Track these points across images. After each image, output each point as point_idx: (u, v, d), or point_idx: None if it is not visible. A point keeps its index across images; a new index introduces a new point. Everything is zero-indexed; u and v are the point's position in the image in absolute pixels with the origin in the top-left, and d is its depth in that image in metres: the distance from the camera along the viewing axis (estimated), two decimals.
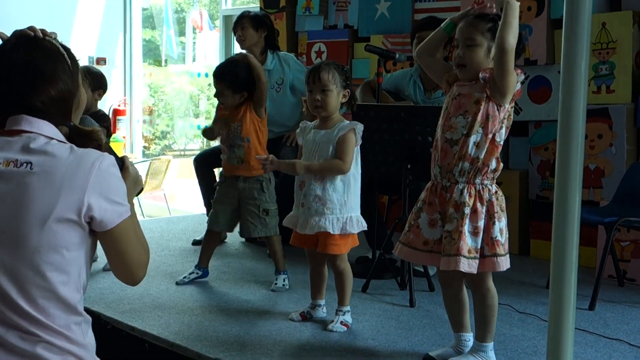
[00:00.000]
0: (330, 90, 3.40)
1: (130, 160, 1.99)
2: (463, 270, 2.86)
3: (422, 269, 4.19)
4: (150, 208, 9.58)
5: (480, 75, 2.86)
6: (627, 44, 4.55)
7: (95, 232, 1.82)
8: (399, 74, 4.79)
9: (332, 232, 3.40)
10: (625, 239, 4.45)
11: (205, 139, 14.39)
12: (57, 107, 1.83)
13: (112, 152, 1.91)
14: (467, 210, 2.88)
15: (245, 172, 4.19)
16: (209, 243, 4.37)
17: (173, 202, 9.79)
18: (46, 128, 1.81)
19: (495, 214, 2.91)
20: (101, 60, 9.03)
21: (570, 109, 1.75)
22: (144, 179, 9.02)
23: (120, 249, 1.84)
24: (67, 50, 1.91)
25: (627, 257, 4.45)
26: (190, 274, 4.32)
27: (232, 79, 4.10)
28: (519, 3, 2.81)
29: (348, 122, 3.45)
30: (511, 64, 2.80)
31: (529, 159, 5.06)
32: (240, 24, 5.16)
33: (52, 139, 1.81)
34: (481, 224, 2.89)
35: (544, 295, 3.95)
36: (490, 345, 3.02)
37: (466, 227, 2.87)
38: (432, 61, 3.18)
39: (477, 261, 2.88)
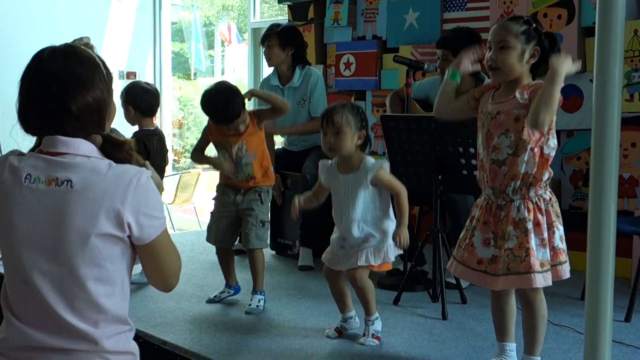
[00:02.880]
0: (344, 132, 3.38)
1: (150, 166, 1.98)
2: (539, 287, 2.84)
3: (454, 281, 4.15)
4: (180, 221, 9.62)
5: (517, 95, 2.82)
6: None
7: (134, 244, 1.86)
8: (428, 82, 4.77)
9: (373, 264, 3.43)
10: None
11: None
12: (92, 114, 1.85)
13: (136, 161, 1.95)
14: (530, 226, 2.85)
15: (250, 185, 4.10)
16: (221, 259, 4.24)
17: (203, 215, 9.81)
18: (82, 147, 1.83)
19: (554, 223, 2.88)
20: (131, 75, 9.10)
21: (604, 118, 1.72)
22: (174, 192, 9.07)
23: (157, 260, 1.90)
24: (102, 61, 1.95)
25: None
26: (221, 293, 4.23)
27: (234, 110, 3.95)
28: (568, 69, 2.76)
29: (371, 160, 3.44)
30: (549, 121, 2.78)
31: (561, 169, 5.00)
32: (267, 41, 5.13)
33: (90, 156, 1.83)
34: (546, 234, 2.86)
35: (578, 307, 3.89)
36: (539, 358, 2.98)
37: (533, 242, 2.84)
38: (453, 108, 3.14)
39: (549, 273, 2.86)
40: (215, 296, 4.21)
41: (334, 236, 3.54)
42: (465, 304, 4.05)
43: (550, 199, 2.92)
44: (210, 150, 4.27)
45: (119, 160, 1.87)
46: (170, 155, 10.26)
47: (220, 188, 4.20)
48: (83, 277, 1.79)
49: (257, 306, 4.02)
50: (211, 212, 4.29)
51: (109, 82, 1.93)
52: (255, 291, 4.08)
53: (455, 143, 3.78)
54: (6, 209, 1.81)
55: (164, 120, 9.75)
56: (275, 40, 5.10)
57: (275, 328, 3.73)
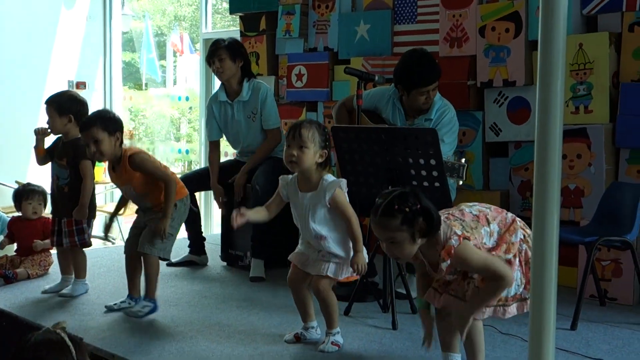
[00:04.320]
0: (308, 147, 3.41)
1: None
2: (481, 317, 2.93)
3: (404, 291, 4.18)
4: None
5: (448, 277, 2.89)
6: (603, 64, 4.59)
7: None
8: (376, 93, 4.78)
9: (339, 278, 3.50)
10: (606, 259, 4.46)
11: (186, 162, 14.39)
12: None
13: None
14: None
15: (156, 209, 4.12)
16: (127, 267, 4.21)
17: None
18: None
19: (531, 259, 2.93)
20: (81, 85, 8.99)
21: (546, 129, 1.75)
22: None
23: None
24: (74, 341, 2.10)
25: (608, 277, 4.47)
26: (121, 302, 4.19)
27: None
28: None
29: (329, 179, 3.47)
30: None
31: (510, 180, 5.08)
32: (217, 55, 5.09)
33: None
34: (517, 274, 2.91)
35: (526, 316, 3.94)
36: None
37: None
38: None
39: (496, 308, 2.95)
40: (114, 304, 4.18)
41: (301, 240, 3.60)
42: (415, 314, 4.07)
43: (523, 236, 2.95)
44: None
45: None
46: None
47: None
48: None
49: (139, 311, 4.04)
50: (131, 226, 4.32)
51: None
52: (145, 297, 4.10)
53: (405, 154, 3.81)
54: None
55: None
56: (225, 53, 5.07)
57: (225, 339, 3.71)
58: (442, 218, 2.85)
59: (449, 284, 2.97)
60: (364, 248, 3.50)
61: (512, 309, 2.97)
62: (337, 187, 3.44)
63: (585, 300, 4.04)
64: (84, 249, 4.57)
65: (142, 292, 4.18)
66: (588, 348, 3.59)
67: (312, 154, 3.43)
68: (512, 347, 3.57)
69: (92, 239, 4.67)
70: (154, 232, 4.03)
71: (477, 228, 2.89)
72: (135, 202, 4.21)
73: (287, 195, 3.58)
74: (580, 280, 4.02)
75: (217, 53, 5.10)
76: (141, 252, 4.06)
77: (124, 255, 4.23)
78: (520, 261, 2.93)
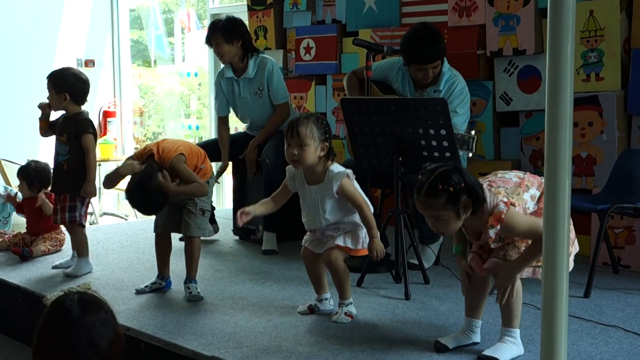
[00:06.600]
0: (308, 145, 3.40)
1: None
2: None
3: (417, 262, 4.19)
4: None
5: (492, 233, 2.88)
6: (614, 30, 4.55)
7: None
8: (386, 64, 4.74)
9: (351, 247, 3.54)
10: (619, 226, 4.45)
11: (197, 138, 14.41)
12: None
13: None
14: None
15: None
16: (158, 247, 4.15)
17: None
18: None
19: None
20: (90, 62, 8.98)
21: (557, 97, 1.74)
22: None
23: None
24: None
25: (621, 244, 4.46)
26: (152, 283, 4.14)
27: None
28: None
29: (335, 170, 3.47)
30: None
31: (521, 149, 5.06)
32: (214, 39, 5.05)
33: None
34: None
35: (539, 284, 3.94)
36: (517, 331, 3.10)
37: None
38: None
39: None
40: (146, 286, 4.12)
41: (305, 226, 3.62)
42: (427, 284, 4.09)
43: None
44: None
45: None
46: (132, 144, 10.22)
47: None
48: None
49: (198, 292, 3.97)
50: None
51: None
52: (189, 279, 4.02)
53: (415, 125, 3.80)
54: None
55: (124, 108, 9.66)
56: (221, 37, 5.02)
57: (239, 311, 3.73)
58: (484, 186, 2.87)
59: (491, 250, 3.00)
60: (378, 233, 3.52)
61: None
62: (343, 177, 3.44)
63: (599, 268, 4.04)
64: (83, 227, 4.54)
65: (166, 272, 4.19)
66: (602, 315, 3.60)
67: (313, 150, 3.43)
68: (525, 315, 3.56)
69: (106, 216, 4.66)
70: (200, 210, 3.99)
71: (520, 194, 2.93)
72: None
73: (294, 187, 3.59)
74: (593, 248, 4.01)
75: (213, 37, 5.06)
76: (189, 235, 4.00)
77: (136, 232, 4.24)
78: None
